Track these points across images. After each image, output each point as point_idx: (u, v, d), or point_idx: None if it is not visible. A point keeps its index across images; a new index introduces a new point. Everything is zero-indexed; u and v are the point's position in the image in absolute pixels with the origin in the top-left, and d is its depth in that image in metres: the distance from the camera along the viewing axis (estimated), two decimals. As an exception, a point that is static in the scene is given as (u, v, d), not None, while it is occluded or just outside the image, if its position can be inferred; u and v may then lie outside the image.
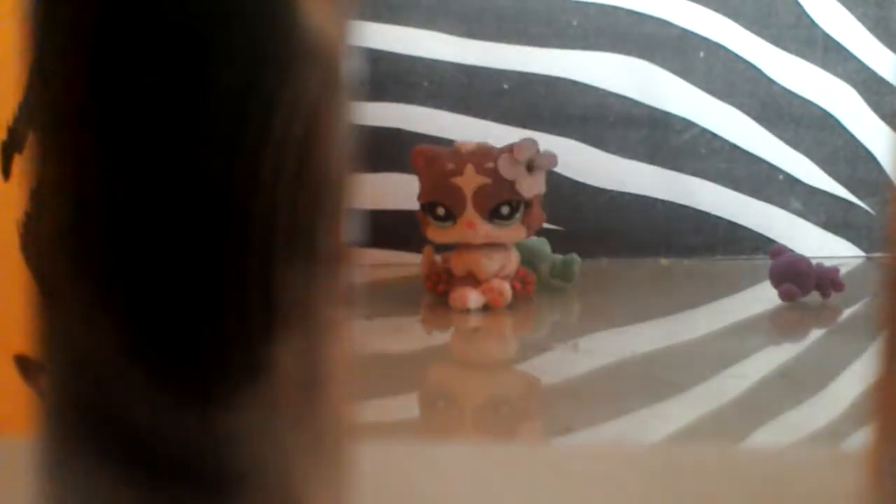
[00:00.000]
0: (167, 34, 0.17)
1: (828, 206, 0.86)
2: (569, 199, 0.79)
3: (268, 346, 0.17)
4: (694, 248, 0.83)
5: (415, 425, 0.40)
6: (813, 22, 0.87)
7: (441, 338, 0.56)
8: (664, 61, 0.82)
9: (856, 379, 0.45)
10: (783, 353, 0.52)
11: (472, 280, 0.58)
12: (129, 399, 0.17)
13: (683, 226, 0.83)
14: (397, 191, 0.74)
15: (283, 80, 0.17)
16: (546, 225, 0.62)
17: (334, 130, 0.18)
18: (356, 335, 0.20)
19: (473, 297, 0.57)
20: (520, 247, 0.61)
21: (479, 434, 0.38)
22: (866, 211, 0.86)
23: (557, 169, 0.65)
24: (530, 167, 0.56)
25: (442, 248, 0.62)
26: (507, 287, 0.57)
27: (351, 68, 0.19)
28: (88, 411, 0.18)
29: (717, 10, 0.84)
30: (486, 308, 0.58)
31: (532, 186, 0.56)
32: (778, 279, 0.61)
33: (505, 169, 0.55)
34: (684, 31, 0.83)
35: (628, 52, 0.82)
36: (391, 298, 0.64)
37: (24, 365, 0.39)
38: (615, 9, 0.82)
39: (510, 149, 0.56)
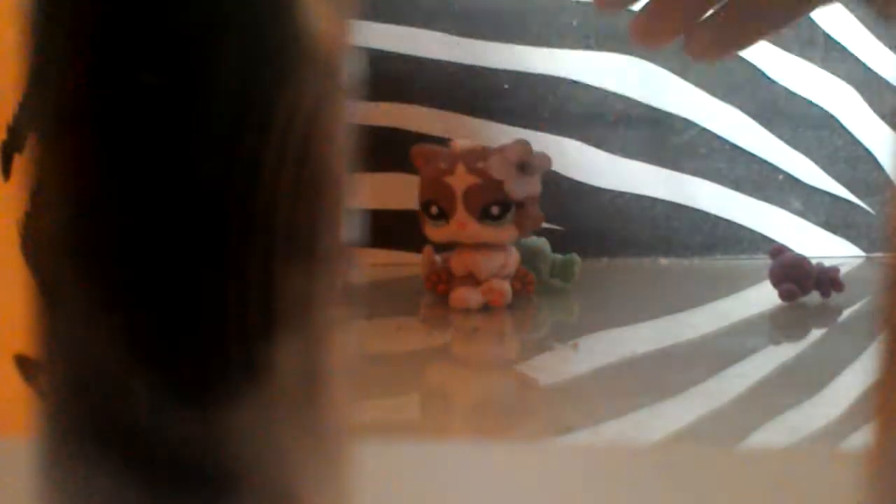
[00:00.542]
0: (166, 35, 0.16)
1: (828, 205, 0.86)
2: (568, 198, 0.79)
3: (268, 345, 0.17)
4: (694, 248, 0.83)
5: (414, 425, 0.40)
6: (813, 22, 0.87)
7: (441, 338, 0.56)
8: (664, 61, 0.82)
9: (856, 379, 0.45)
10: (783, 352, 0.52)
11: (472, 280, 0.58)
12: (129, 398, 0.17)
13: (683, 225, 0.83)
14: (397, 191, 0.74)
15: (282, 80, 0.17)
16: (545, 224, 0.62)
17: (334, 130, 0.18)
18: (356, 335, 0.20)
19: (473, 297, 0.57)
20: (519, 246, 0.61)
21: (478, 433, 0.38)
22: (866, 211, 0.86)
23: (557, 169, 0.65)
24: (522, 168, 0.56)
25: (441, 249, 0.62)
26: (507, 287, 0.57)
27: (351, 68, 0.19)
28: (88, 411, 0.18)
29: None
30: (487, 308, 0.58)
31: (523, 187, 0.56)
32: (778, 279, 0.61)
33: (495, 169, 0.55)
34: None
35: (628, 52, 0.82)
36: (391, 298, 0.64)
37: (23, 364, 0.39)
38: (615, 9, 0.82)
39: (502, 149, 0.56)
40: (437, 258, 0.62)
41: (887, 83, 0.88)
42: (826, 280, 0.61)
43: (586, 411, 0.40)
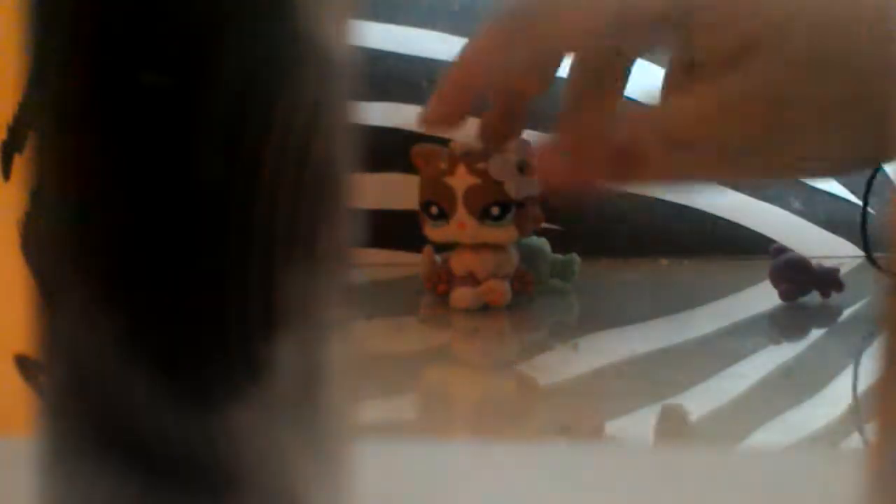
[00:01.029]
0: (167, 34, 0.17)
1: (828, 205, 0.86)
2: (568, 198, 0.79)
3: (268, 345, 0.17)
4: (694, 248, 0.83)
5: (414, 425, 0.40)
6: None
7: (440, 338, 0.56)
8: (665, 61, 0.82)
9: (856, 379, 0.45)
10: (783, 352, 0.52)
11: (472, 280, 0.58)
12: (130, 398, 0.17)
13: (683, 225, 0.83)
14: (397, 191, 0.74)
15: (282, 80, 0.17)
16: (545, 224, 0.62)
17: (334, 130, 0.18)
18: (356, 335, 0.20)
19: (473, 297, 0.57)
20: (519, 246, 0.61)
21: (478, 433, 0.38)
22: (868, 211, 0.85)
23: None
24: (522, 168, 0.56)
25: (441, 249, 0.62)
26: (506, 287, 0.57)
27: (351, 68, 0.19)
28: (88, 411, 0.18)
29: (717, 9, 0.84)
30: (486, 308, 0.58)
31: (523, 187, 0.56)
32: (778, 279, 0.61)
33: (495, 170, 0.55)
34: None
35: (628, 52, 0.81)
36: (391, 298, 0.64)
37: (23, 364, 0.38)
38: (615, 9, 0.82)
39: (502, 149, 0.56)
40: (438, 258, 0.62)
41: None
42: (826, 280, 0.61)
43: (585, 411, 0.40)
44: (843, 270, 0.62)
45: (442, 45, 0.78)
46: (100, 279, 0.17)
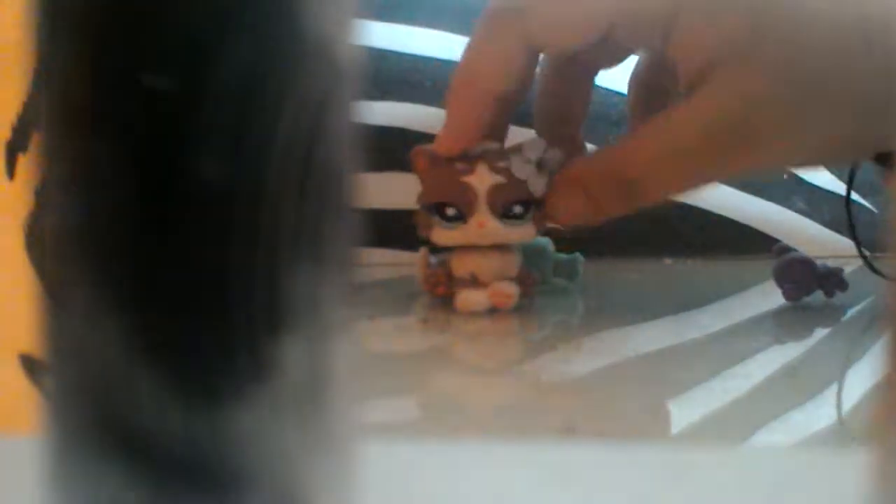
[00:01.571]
0: (171, 34, 0.17)
1: (832, 205, 0.86)
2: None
3: (273, 345, 0.17)
4: (697, 248, 0.83)
5: (418, 425, 0.40)
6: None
7: (443, 338, 0.56)
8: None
9: (860, 378, 0.45)
10: (787, 352, 0.52)
11: (476, 282, 0.57)
12: (135, 398, 0.17)
13: (687, 225, 0.83)
14: (401, 190, 0.73)
15: (287, 80, 0.17)
16: (548, 224, 0.61)
17: (340, 130, 0.18)
18: (359, 335, 0.20)
19: (479, 300, 0.57)
20: (522, 246, 0.61)
21: (482, 433, 0.38)
22: (871, 210, 0.85)
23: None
24: (539, 166, 0.55)
25: (435, 251, 0.62)
26: (513, 288, 0.57)
27: (355, 67, 0.19)
28: (94, 411, 0.18)
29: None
30: (492, 310, 0.58)
31: (542, 185, 0.56)
32: (782, 278, 0.61)
33: (518, 168, 0.55)
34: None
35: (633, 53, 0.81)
36: (394, 298, 0.64)
37: (28, 364, 0.39)
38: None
39: (520, 147, 0.55)
40: (433, 260, 0.62)
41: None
42: (830, 280, 0.61)
43: (589, 411, 0.40)
44: (847, 270, 0.62)
45: (445, 44, 0.78)
46: (105, 279, 0.17)
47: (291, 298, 0.17)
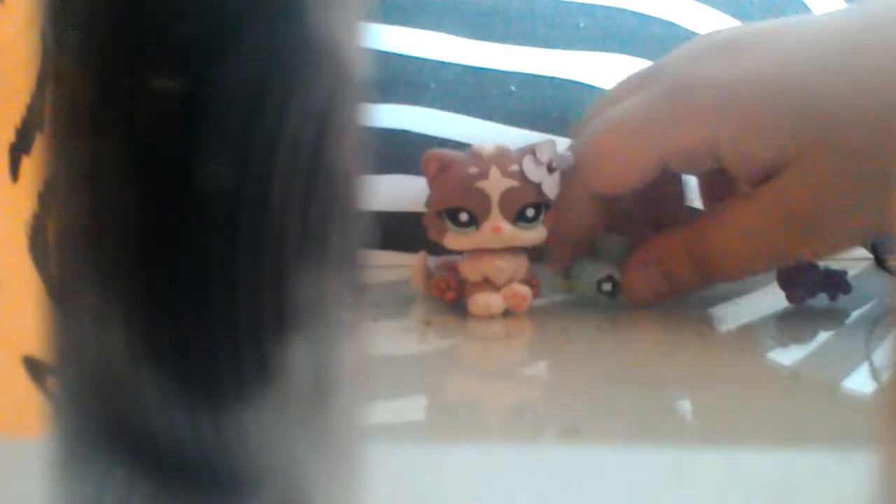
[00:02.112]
0: (178, 37, 0.17)
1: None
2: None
3: (279, 346, 0.17)
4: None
5: (424, 427, 0.40)
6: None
7: (449, 340, 0.56)
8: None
9: (864, 381, 0.45)
10: (790, 355, 0.52)
11: (489, 285, 0.57)
12: (140, 400, 0.17)
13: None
14: (405, 193, 0.74)
15: (294, 83, 0.17)
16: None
17: (346, 133, 0.18)
18: (365, 337, 0.20)
19: (495, 303, 0.57)
20: (605, 244, 0.62)
21: (487, 435, 0.38)
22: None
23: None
24: (550, 168, 0.55)
25: (435, 255, 0.61)
26: (528, 291, 0.57)
27: (361, 70, 0.19)
28: (99, 412, 0.18)
29: (724, 11, 0.84)
30: (507, 313, 0.58)
31: (554, 187, 0.56)
32: (786, 281, 0.61)
33: (530, 171, 0.55)
34: (691, 32, 0.83)
35: (635, 54, 0.82)
36: (397, 300, 0.64)
37: (32, 366, 0.39)
38: (622, 11, 0.82)
39: (531, 150, 0.55)
40: (431, 265, 0.62)
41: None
42: (833, 282, 0.61)
43: (593, 412, 0.40)
44: (851, 273, 0.62)
45: (449, 47, 0.78)
46: (111, 281, 0.17)
47: (297, 300, 0.17)
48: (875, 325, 0.55)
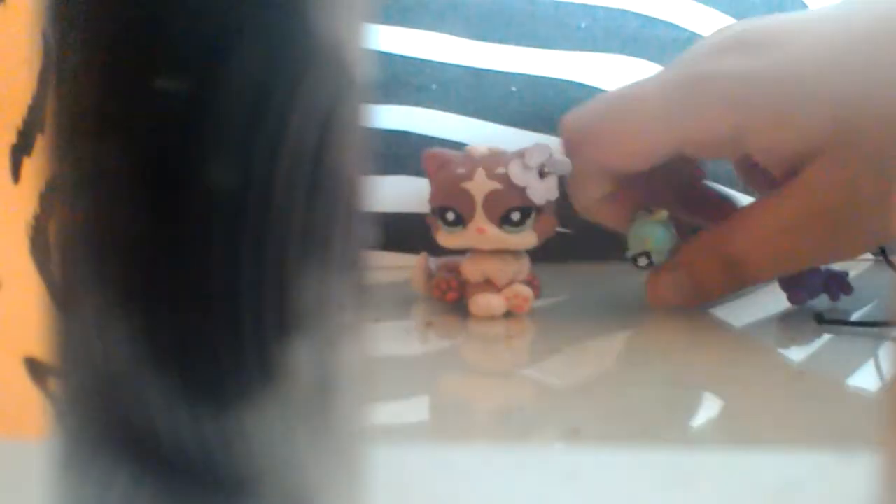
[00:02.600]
0: (182, 37, 0.17)
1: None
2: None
3: (282, 348, 0.17)
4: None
5: (425, 428, 0.40)
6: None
7: (450, 341, 0.56)
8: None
9: (865, 382, 0.45)
10: (791, 355, 0.52)
11: (491, 286, 0.57)
12: (144, 401, 0.17)
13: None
14: (406, 194, 0.74)
15: (297, 84, 0.17)
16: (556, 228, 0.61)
17: (348, 134, 0.18)
18: (367, 338, 0.20)
19: (496, 304, 0.57)
20: (645, 226, 0.61)
21: (488, 437, 0.38)
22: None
23: (564, 171, 0.64)
24: (542, 173, 0.55)
25: (436, 255, 0.61)
26: (529, 292, 0.57)
27: (364, 72, 0.19)
28: (102, 413, 0.18)
29: (725, 12, 0.84)
30: (508, 314, 0.58)
31: (543, 192, 0.55)
32: (787, 282, 0.61)
33: (516, 174, 0.55)
34: (693, 34, 0.83)
35: (637, 55, 0.82)
36: (399, 301, 0.64)
37: (33, 367, 0.39)
38: (623, 12, 0.82)
39: (521, 154, 0.55)
40: (432, 265, 0.62)
41: None
42: (835, 283, 0.61)
43: (594, 413, 0.40)
44: (852, 274, 0.62)
45: (450, 48, 0.78)
46: (114, 282, 0.17)
47: (300, 301, 0.17)
48: (876, 326, 0.55)
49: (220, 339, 0.17)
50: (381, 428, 0.30)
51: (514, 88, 0.79)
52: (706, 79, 0.54)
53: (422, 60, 0.78)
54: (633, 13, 0.82)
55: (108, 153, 0.17)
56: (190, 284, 0.17)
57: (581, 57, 0.80)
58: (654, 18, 0.82)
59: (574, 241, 0.75)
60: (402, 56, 0.77)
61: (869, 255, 0.76)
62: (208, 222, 0.17)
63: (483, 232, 0.56)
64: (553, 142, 0.61)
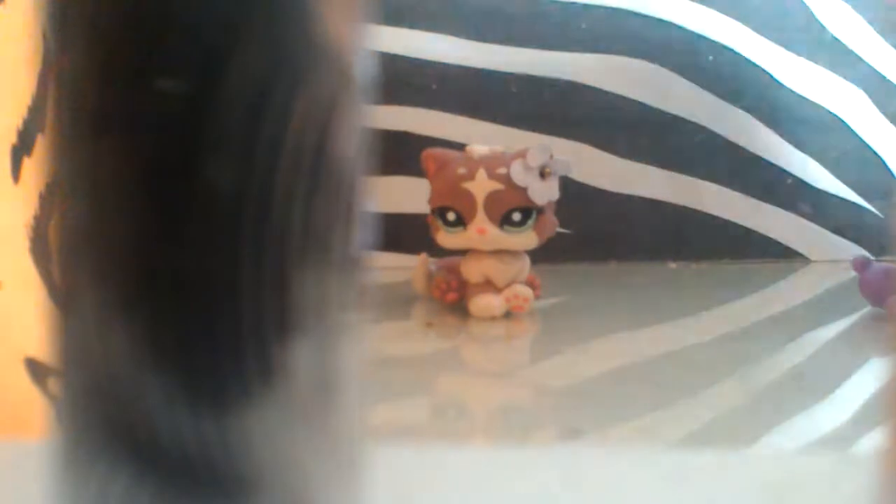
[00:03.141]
0: (183, 38, 0.17)
1: (837, 209, 0.86)
2: (577, 202, 0.79)
3: (283, 348, 0.17)
4: (703, 252, 0.83)
5: (425, 429, 0.40)
6: (822, 25, 0.87)
7: (450, 342, 0.56)
8: (673, 64, 0.82)
9: (867, 382, 0.45)
10: (793, 356, 0.52)
11: (491, 286, 0.57)
12: (145, 401, 0.17)
13: (692, 229, 0.83)
14: (406, 194, 0.74)
15: (297, 85, 0.17)
16: (557, 229, 0.61)
17: (349, 133, 0.18)
18: (366, 338, 0.20)
19: (497, 304, 0.57)
20: None
21: (489, 437, 0.38)
22: (876, 214, 0.85)
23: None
24: (543, 173, 0.55)
25: (435, 255, 0.61)
26: (529, 292, 0.57)
27: (364, 72, 0.19)
28: (103, 413, 0.18)
29: (725, 13, 0.84)
30: (508, 314, 0.58)
31: (545, 193, 0.55)
32: (877, 291, 0.58)
33: (517, 175, 0.55)
34: (693, 34, 0.83)
35: (637, 56, 0.82)
36: (399, 302, 0.64)
37: (33, 368, 0.39)
38: (624, 12, 0.82)
39: (522, 154, 0.55)
40: (433, 266, 0.62)
41: (896, 86, 0.88)
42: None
43: (595, 414, 0.40)
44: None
45: (451, 48, 0.78)
46: (114, 282, 0.17)
47: (300, 302, 0.17)
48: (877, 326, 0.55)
49: (220, 339, 0.17)
50: (381, 428, 0.30)
51: (514, 89, 0.79)
52: None
53: (422, 61, 0.78)
54: (634, 13, 0.82)
55: (107, 153, 0.17)
56: (190, 284, 0.17)
57: (581, 57, 0.80)
58: (653, 18, 0.82)
59: (574, 241, 0.75)
60: (402, 57, 0.77)
61: (870, 256, 0.76)
62: (208, 222, 0.17)
63: (484, 233, 0.56)
64: (552, 141, 0.61)
